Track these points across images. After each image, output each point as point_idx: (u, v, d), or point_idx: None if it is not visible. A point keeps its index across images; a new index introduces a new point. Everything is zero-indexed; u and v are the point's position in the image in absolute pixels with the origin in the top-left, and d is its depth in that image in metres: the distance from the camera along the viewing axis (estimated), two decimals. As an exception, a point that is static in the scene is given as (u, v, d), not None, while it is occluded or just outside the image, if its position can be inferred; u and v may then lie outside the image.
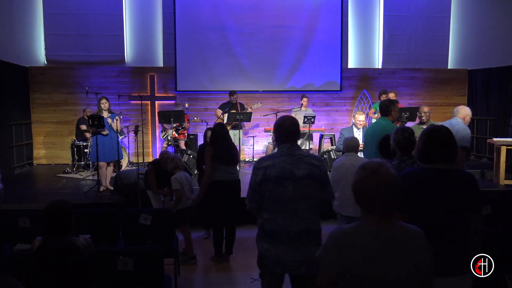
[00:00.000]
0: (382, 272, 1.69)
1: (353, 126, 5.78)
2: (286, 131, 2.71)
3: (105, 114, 6.70)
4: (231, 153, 4.90)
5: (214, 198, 4.79)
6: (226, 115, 8.38)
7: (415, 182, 2.33)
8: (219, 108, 8.61)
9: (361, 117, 5.72)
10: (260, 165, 2.68)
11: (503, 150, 7.08)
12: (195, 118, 8.94)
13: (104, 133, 6.63)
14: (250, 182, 2.72)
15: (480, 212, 2.38)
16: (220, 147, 4.80)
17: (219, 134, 4.84)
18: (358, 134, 5.65)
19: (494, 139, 7.49)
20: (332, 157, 7.70)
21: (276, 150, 2.86)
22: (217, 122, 7.18)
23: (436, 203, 2.27)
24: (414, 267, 1.71)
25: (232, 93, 8.57)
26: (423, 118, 5.56)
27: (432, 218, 2.27)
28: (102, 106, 6.72)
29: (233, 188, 4.83)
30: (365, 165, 1.80)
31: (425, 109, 5.60)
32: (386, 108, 4.41)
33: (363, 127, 5.70)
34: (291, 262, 2.63)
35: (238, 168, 5.09)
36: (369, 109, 9.74)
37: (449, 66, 10.77)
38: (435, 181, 2.31)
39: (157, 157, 5.89)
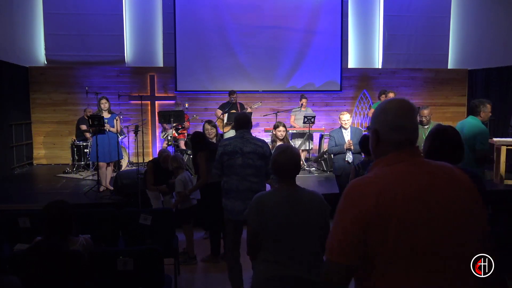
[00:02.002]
0: (289, 222, 2.30)
1: (341, 127, 5.77)
2: (241, 122, 3.90)
3: (105, 114, 6.70)
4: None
5: (211, 199, 4.79)
6: (226, 115, 8.37)
7: None
8: (219, 108, 8.61)
9: (345, 117, 5.69)
10: (222, 144, 3.83)
11: (503, 150, 7.08)
12: (194, 116, 8.95)
13: (106, 127, 6.61)
14: (215, 156, 3.82)
15: (485, 206, 2.27)
16: (209, 149, 4.85)
17: (201, 138, 4.99)
18: (346, 135, 5.64)
19: (494, 139, 7.48)
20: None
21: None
22: (216, 121, 7.19)
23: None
24: (313, 219, 2.35)
25: (231, 93, 8.56)
26: (424, 121, 5.52)
27: None
28: (102, 106, 6.70)
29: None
30: (278, 147, 2.54)
31: (425, 112, 5.52)
32: (475, 108, 4.57)
33: (350, 127, 5.69)
34: (236, 211, 3.67)
35: None
36: (369, 109, 9.74)
37: (449, 66, 10.77)
38: None
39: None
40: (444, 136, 2.43)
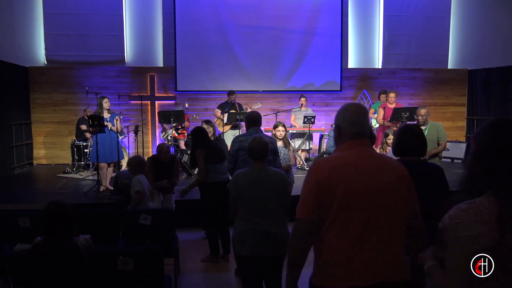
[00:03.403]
0: (258, 192, 3.10)
1: None
2: (253, 120, 4.36)
3: (105, 114, 6.71)
4: (220, 149, 4.96)
5: (209, 199, 4.78)
6: (226, 115, 8.37)
7: None
8: (218, 108, 8.59)
9: None
10: (237, 140, 4.24)
11: (503, 150, 7.07)
12: (194, 116, 8.95)
13: (108, 125, 6.61)
14: (229, 151, 4.27)
15: (449, 197, 2.83)
16: (209, 147, 4.81)
17: (202, 135, 4.87)
18: None
19: (494, 139, 7.48)
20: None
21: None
22: (215, 121, 7.18)
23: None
24: (276, 190, 3.11)
25: (230, 93, 8.55)
26: (420, 120, 5.47)
27: None
28: (105, 105, 6.70)
29: (226, 189, 4.83)
30: (253, 137, 3.35)
31: (422, 111, 5.47)
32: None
33: None
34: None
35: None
36: (369, 109, 9.74)
37: (449, 66, 10.77)
38: (408, 171, 2.39)
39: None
40: (410, 133, 2.84)
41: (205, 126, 5.56)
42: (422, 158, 3.00)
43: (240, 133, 8.73)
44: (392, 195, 1.92)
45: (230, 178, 4.21)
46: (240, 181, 3.16)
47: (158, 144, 5.48)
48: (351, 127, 2.02)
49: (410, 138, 2.82)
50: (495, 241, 1.41)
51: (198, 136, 4.85)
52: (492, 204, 1.45)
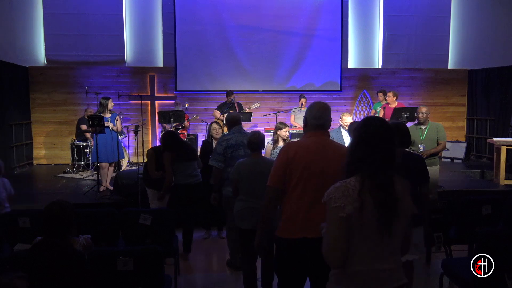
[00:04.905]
0: (255, 179, 3.65)
1: (341, 128, 5.77)
2: (234, 120, 4.71)
3: (107, 114, 6.72)
4: (190, 149, 5.09)
5: (175, 201, 4.92)
6: (225, 116, 8.36)
7: None
8: (217, 109, 8.58)
9: (348, 119, 5.78)
10: (223, 139, 4.53)
11: (503, 150, 7.08)
12: (195, 115, 8.94)
13: (110, 125, 6.63)
14: (215, 149, 4.53)
15: (428, 182, 3.41)
16: (178, 149, 4.92)
17: (171, 139, 4.96)
18: (346, 136, 5.66)
19: (494, 139, 7.49)
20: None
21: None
22: (214, 121, 7.16)
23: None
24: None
25: (229, 93, 8.54)
26: (421, 118, 5.50)
27: None
28: (110, 105, 6.78)
29: (194, 192, 4.98)
30: (252, 132, 4.00)
31: (423, 109, 5.52)
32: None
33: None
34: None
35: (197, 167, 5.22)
36: (370, 110, 9.74)
37: (449, 66, 10.76)
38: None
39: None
40: (398, 129, 3.29)
41: (216, 126, 5.66)
42: (407, 150, 3.58)
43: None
44: (335, 167, 2.46)
45: (201, 179, 5.01)
46: (241, 168, 3.75)
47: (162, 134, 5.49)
48: (314, 120, 2.66)
49: (397, 134, 3.14)
50: (356, 209, 1.84)
51: (167, 140, 4.95)
52: (357, 182, 1.89)
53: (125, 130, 8.13)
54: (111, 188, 6.58)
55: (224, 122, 8.31)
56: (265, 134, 9.49)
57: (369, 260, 1.87)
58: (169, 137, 4.97)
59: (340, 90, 10.30)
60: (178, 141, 5.03)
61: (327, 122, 2.69)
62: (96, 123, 6.26)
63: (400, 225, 1.91)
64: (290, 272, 2.58)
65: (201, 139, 9.04)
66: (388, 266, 1.90)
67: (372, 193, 1.86)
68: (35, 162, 9.57)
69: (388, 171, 1.92)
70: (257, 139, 3.88)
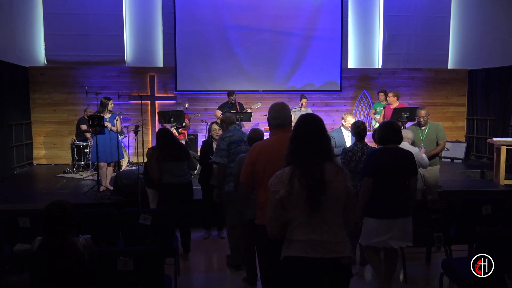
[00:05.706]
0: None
1: (342, 128, 5.76)
2: (230, 120, 4.88)
3: (106, 114, 6.72)
4: (177, 149, 5.06)
5: (165, 200, 4.92)
6: (221, 116, 8.36)
7: (377, 156, 3.67)
8: (218, 108, 8.59)
9: (352, 120, 5.77)
10: (224, 137, 4.59)
11: (503, 150, 7.08)
12: (195, 114, 8.94)
13: (108, 126, 6.64)
14: (219, 146, 4.56)
15: (416, 175, 3.73)
16: (165, 148, 4.93)
17: (163, 137, 5.01)
18: (348, 136, 5.64)
19: (494, 139, 7.49)
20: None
21: None
22: (215, 121, 7.17)
23: (389, 169, 3.60)
24: None
25: (230, 93, 8.55)
26: (422, 122, 5.46)
27: (387, 179, 3.61)
28: (110, 106, 6.80)
29: (182, 192, 4.97)
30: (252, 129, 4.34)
31: (422, 112, 5.43)
32: None
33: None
34: None
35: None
36: (370, 110, 9.74)
37: (449, 66, 10.77)
38: (389, 155, 3.64)
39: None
40: (392, 127, 3.70)
41: (216, 127, 5.65)
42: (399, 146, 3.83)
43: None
44: None
45: (191, 179, 5.08)
46: (242, 163, 3.76)
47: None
48: (273, 120, 2.95)
49: (391, 131, 3.69)
50: (287, 192, 2.29)
51: (158, 137, 5.03)
52: (289, 170, 2.34)
53: (125, 130, 8.14)
54: (111, 188, 6.58)
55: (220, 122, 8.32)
56: (265, 134, 9.54)
57: (306, 232, 2.31)
58: (159, 135, 5.03)
59: (340, 90, 10.30)
60: (169, 140, 5.01)
61: (286, 120, 2.95)
62: (96, 123, 6.27)
63: (332, 204, 2.32)
64: (268, 254, 2.82)
65: (201, 139, 9.04)
66: (325, 238, 2.30)
67: (300, 178, 2.28)
68: (35, 162, 9.57)
69: (317, 159, 2.32)
70: (257, 135, 4.06)
